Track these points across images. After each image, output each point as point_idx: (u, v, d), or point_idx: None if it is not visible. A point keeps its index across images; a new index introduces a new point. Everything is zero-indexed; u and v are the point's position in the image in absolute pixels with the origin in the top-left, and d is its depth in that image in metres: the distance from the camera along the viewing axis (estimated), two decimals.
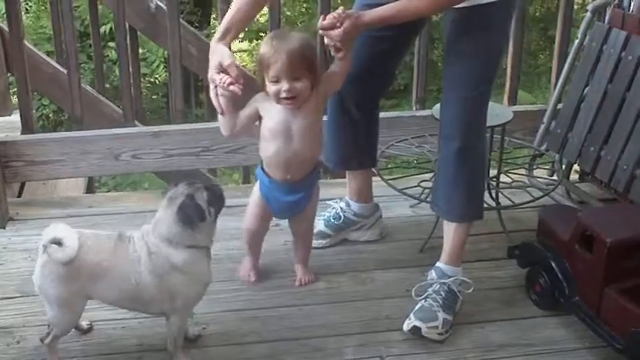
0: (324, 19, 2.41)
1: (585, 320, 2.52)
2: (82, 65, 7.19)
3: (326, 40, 2.44)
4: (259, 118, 2.56)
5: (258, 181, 2.69)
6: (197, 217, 2.26)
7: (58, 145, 3.33)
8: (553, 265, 2.61)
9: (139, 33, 4.63)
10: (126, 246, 2.30)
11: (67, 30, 3.40)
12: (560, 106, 3.32)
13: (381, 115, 3.09)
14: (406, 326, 2.54)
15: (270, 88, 2.46)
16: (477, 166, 2.68)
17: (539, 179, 3.31)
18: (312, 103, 2.52)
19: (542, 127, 3.31)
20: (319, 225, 2.99)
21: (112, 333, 2.54)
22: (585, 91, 3.16)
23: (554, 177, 3.39)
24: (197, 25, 8.01)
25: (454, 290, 2.62)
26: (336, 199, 3.10)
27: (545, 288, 2.66)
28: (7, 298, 2.72)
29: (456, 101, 2.59)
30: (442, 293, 2.61)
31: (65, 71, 3.73)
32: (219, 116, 2.52)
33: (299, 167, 2.60)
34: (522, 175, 3.34)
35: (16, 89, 3.83)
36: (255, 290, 2.78)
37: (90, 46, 6.15)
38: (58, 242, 2.20)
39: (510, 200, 3.09)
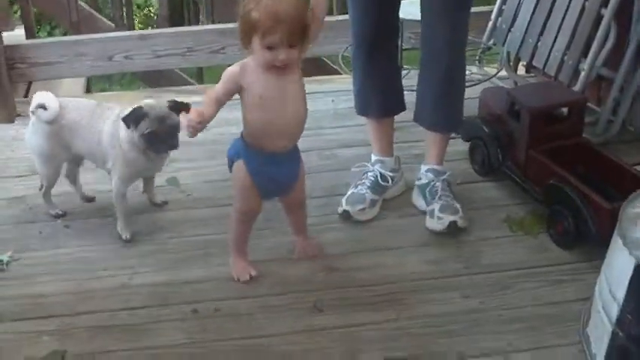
0: None
1: (516, 181, 2.95)
2: None
3: None
4: (241, 90, 2.34)
5: (241, 163, 2.44)
6: (130, 122, 2.58)
7: (56, 47, 3.75)
8: (489, 135, 3.02)
9: None
10: (102, 111, 2.75)
11: None
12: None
13: (345, 17, 3.44)
14: (441, 225, 2.72)
15: (264, 54, 2.24)
16: (461, 82, 2.85)
17: (486, 69, 3.71)
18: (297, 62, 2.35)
19: (490, 24, 3.69)
20: (367, 195, 2.88)
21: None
22: None
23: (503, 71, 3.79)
24: None
25: (452, 183, 2.89)
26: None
27: (482, 156, 3.07)
28: (20, 176, 3.19)
29: (444, 22, 2.66)
30: (447, 188, 2.84)
31: None
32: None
33: (297, 131, 2.43)
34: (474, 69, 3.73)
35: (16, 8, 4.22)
36: None
37: None
38: (43, 106, 2.70)
39: None
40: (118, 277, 2.60)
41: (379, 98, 2.93)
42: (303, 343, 2.32)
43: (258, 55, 2.27)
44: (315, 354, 2.29)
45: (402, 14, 3.22)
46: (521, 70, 3.91)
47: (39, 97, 2.74)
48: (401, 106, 3.00)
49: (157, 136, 2.59)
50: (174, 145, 2.64)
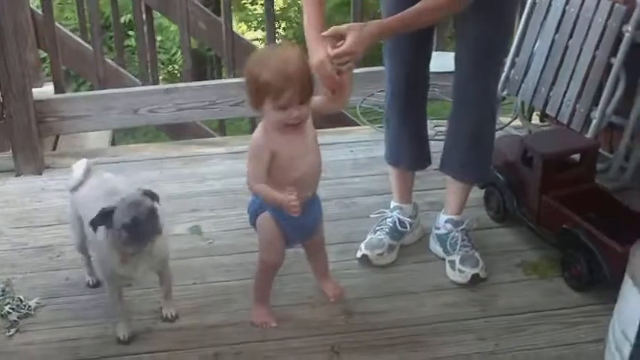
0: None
1: (530, 226, 3.01)
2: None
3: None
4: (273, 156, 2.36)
5: (267, 215, 2.47)
6: (97, 224, 2.34)
7: (84, 101, 3.87)
8: (503, 182, 3.10)
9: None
10: (109, 196, 2.42)
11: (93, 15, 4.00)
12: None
13: (363, 70, 3.60)
14: (463, 278, 2.78)
15: (277, 115, 2.28)
16: (491, 134, 2.90)
17: (501, 119, 3.79)
18: None
19: (504, 75, 3.77)
20: (385, 240, 2.95)
21: None
22: (537, 41, 3.64)
23: (517, 120, 3.88)
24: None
25: (470, 231, 2.96)
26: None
27: (498, 202, 3.14)
28: (47, 225, 3.28)
29: (478, 75, 2.72)
30: (466, 238, 2.91)
31: (88, 46, 4.32)
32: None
33: (318, 179, 2.51)
34: None
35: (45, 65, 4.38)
36: None
37: (110, 37, 6.69)
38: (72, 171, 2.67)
39: None
40: (142, 321, 2.67)
41: (412, 149, 2.98)
42: None
43: (270, 117, 2.31)
44: None
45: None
46: (535, 119, 4.00)
47: (76, 163, 2.66)
48: (429, 160, 3.05)
49: (139, 223, 2.31)
50: (158, 229, 2.37)
